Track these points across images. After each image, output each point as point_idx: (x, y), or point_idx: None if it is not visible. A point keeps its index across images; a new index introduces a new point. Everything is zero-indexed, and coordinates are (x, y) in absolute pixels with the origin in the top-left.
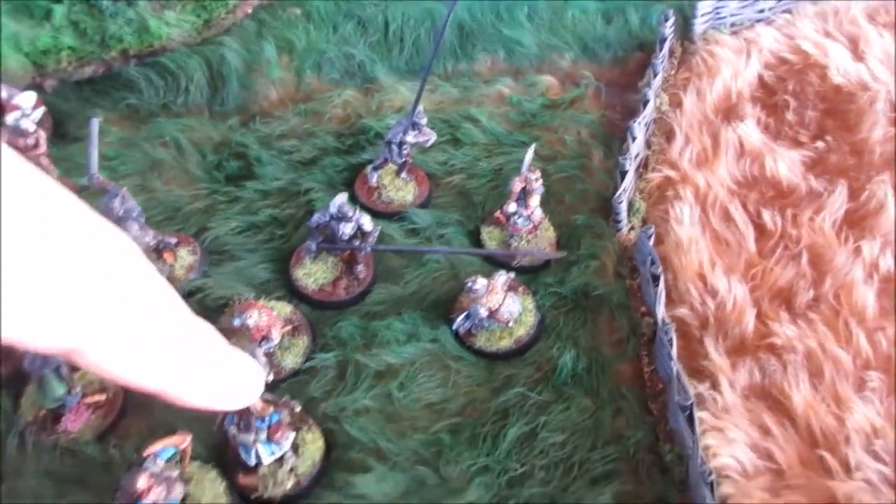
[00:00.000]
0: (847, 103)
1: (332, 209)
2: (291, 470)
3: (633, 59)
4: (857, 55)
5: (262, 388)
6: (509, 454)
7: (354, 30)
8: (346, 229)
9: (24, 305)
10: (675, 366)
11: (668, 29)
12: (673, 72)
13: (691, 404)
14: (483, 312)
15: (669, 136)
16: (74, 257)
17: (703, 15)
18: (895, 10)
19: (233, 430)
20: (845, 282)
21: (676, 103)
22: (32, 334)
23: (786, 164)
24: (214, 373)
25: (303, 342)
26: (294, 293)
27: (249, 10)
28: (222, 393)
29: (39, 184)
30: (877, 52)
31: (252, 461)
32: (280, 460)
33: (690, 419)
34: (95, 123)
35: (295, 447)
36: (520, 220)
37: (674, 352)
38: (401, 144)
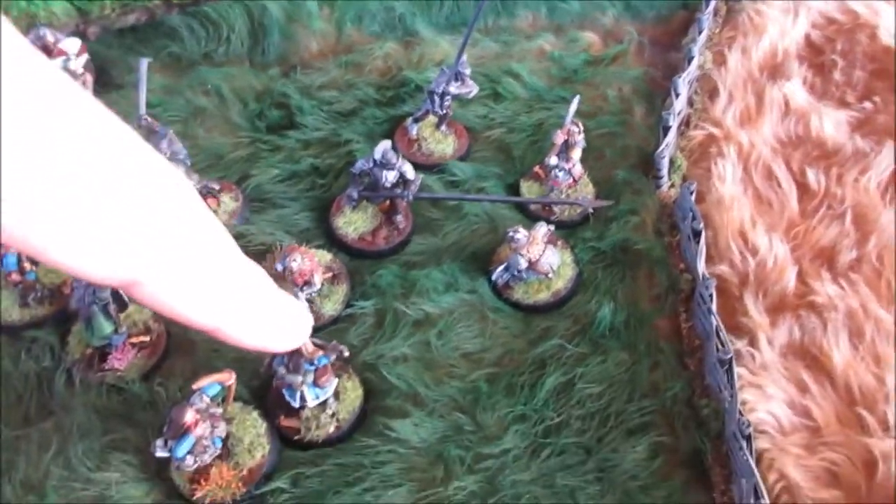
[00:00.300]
0: None
1: (377, 155)
2: (333, 414)
3: (676, 17)
4: None
5: (309, 330)
6: (546, 403)
7: None
8: (389, 177)
9: (88, 234)
10: (715, 319)
11: None
12: (717, 30)
13: (731, 357)
14: (523, 263)
15: (713, 93)
16: (137, 188)
17: None
18: None
19: (282, 370)
20: (889, 243)
21: (720, 61)
22: (97, 264)
23: (831, 124)
24: (266, 312)
25: (342, 290)
26: (334, 242)
27: None
28: (273, 333)
29: (103, 118)
30: None
31: (297, 403)
32: (323, 404)
33: (729, 372)
34: (144, 63)
35: (336, 394)
36: (560, 174)
37: (713, 306)
38: (443, 95)
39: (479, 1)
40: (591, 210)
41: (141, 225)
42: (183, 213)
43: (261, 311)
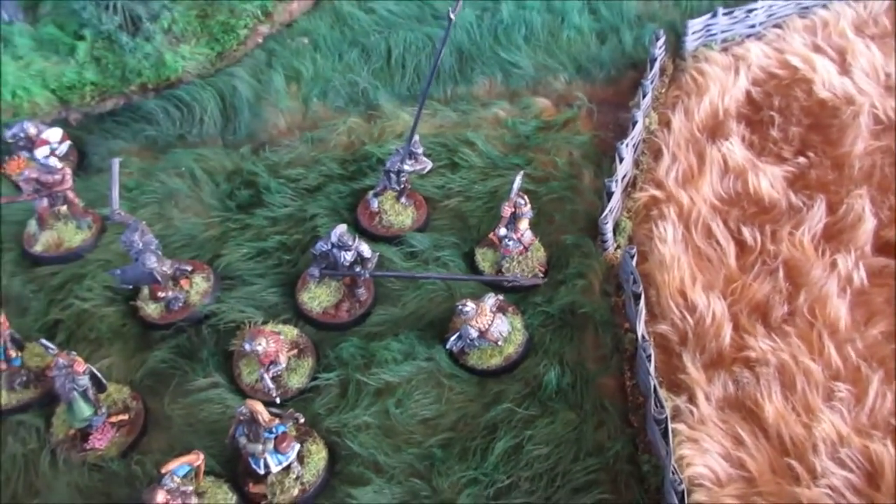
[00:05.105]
0: (831, 118)
1: (333, 238)
2: (297, 478)
3: (626, 78)
4: (844, 68)
5: None
6: (496, 467)
7: (359, 57)
8: (347, 257)
9: None
10: (653, 381)
11: (658, 49)
12: (664, 90)
13: (665, 418)
14: (473, 333)
15: (657, 155)
16: None
17: (694, 33)
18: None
19: (243, 440)
20: (820, 295)
21: (665, 122)
22: None
23: (768, 181)
24: None
25: (308, 363)
26: (300, 315)
27: (260, 40)
28: None
29: None
30: (863, 65)
31: (261, 470)
32: (287, 469)
33: (665, 432)
34: (116, 163)
35: (301, 457)
36: (510, 243)
37: (651, 367)
38: (398, 173)
39: (433, 72)
40: (541, 275)
41: None
42: None
43: None
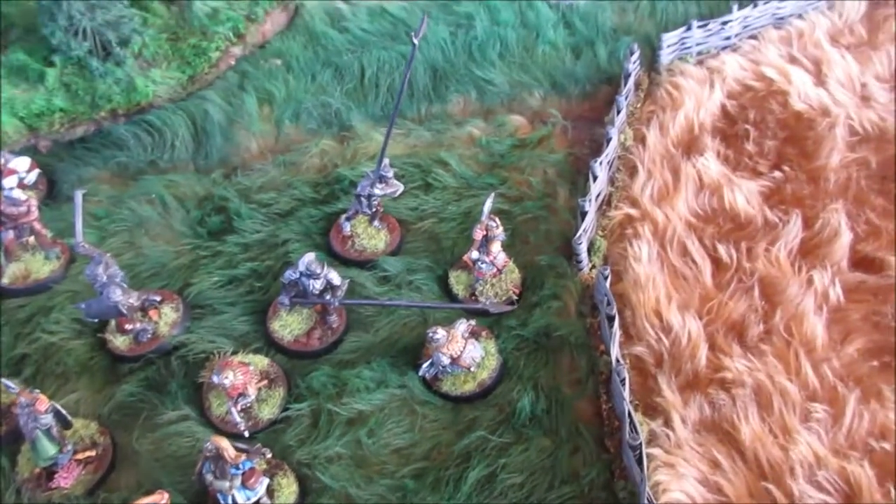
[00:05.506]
0: (806, 130)
1: (301, 267)
2: None
3: (601, 92)
4: (819, 79)
5: None
6: (469, 497)
7: (332, 78)
8: (316, 285)
9: None
10: (627, 406)
11: (633, 64)
12: (639, 105)
13: (640, 444)
14: (445, 360)
15: (632, 172)
16: None
17: (668, 46)
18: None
19: (209, 477)
20: (797, 313)
21: (640, 138)
22: None
23: (743, 196)
24: None
25: (279, 393)
26: (271, 344)
27: (233, 62)
28: None
29: None
30: (839, 75)
31: None
32: None
33: (640, 458)
34: (79, 195)
35: (270, 492)
36: (483, 266)
37: (626, 392)
38: (369, 197)
39: (399, 99)
40: (515, 297)
41: None
42: None
43: None
